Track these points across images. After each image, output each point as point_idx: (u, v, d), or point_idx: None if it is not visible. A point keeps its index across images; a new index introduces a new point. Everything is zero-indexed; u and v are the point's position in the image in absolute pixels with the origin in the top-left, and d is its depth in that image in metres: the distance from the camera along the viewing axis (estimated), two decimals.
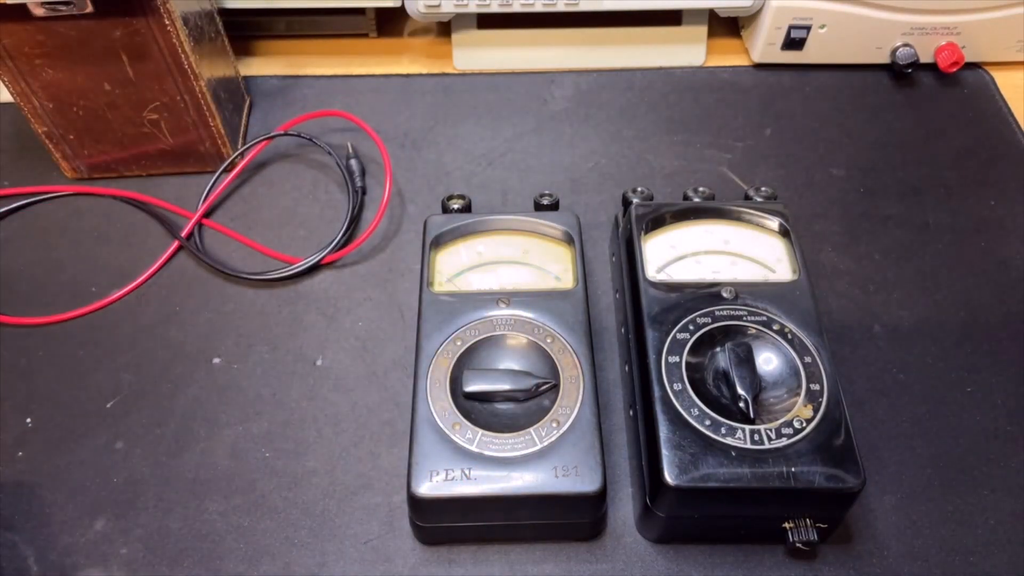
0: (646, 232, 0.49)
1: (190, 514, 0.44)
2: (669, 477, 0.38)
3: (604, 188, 0.60)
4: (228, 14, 0.63)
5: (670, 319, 0.44)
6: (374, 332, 0.51)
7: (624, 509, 0.44)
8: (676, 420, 0.40)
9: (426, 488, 0.39)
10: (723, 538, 0.43)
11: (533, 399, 0.42)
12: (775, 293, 0.45)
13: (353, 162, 0.59)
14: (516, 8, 0.64)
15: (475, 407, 0.42)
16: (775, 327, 0.43)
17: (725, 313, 0.44)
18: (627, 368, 0.47)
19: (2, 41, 0.50)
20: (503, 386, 0.42)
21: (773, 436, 0.39)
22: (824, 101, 0.65)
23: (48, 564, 0.42)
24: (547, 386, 0.42)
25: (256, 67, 0.68)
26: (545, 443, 0.40)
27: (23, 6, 0.48)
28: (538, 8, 0.64)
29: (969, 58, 0.66)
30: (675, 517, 0.41)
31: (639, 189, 0.52)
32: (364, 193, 0.59)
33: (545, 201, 0.52)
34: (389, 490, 0.45)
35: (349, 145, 0.60)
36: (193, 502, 0.44)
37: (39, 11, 0.48)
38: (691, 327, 0.43)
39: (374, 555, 0.43)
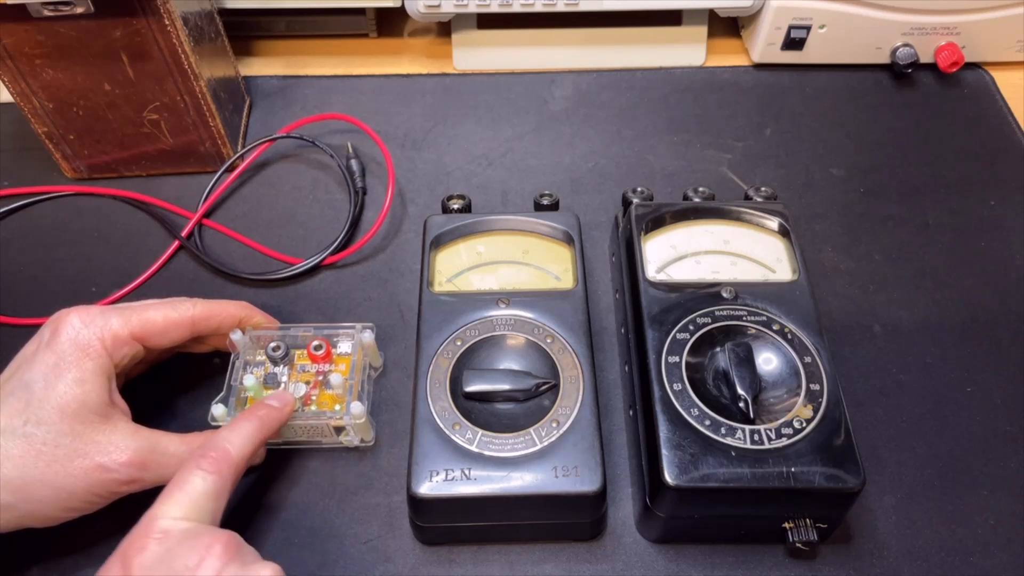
0: (646, 232, 0.49)
1: None
2: (669, 477, 0.38)
3: (604, 188, 0.60)
4: (228, 14, 0.63)
5: (670, 319, 0.44)
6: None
7: (624, 509, 0.44)
8: (676, 420, 0.40)
9: (426, 488, 0.39)
10: (723, 538, 0.43)
11: (533, 399, 0.42)
12: (775, 293, 0.45)
13: (354, 162, 0.59)
14: (516, 8, 0.64)
15: (475, 407, 0.42)
16: (775, 327, 0.43)
17: (725, 313, 0.44)
18: (627, 368, 0.47)
19: (2, 41, 0.50)
20: (503, 386, 0.42)
21: (773, 436, 0.39)
22: (824, 101, 0.66)
23: (48, 564, 0.42)
24: (547, 386, 0.42)
25: (256, 67, 0.68)
26: (545, 443, 0.40)
27: (23, 6, 0.48)
28: (538, 8, 0.64)
29: (969, 58, 0.66)
30: (675, 517, 0.41)
31: (639, 189, 0.52)
32: (365, 193, 0.59)
33: (545, 201, 0.52)
34: (389, 490, 0.45)
35: (349, 145, 0.60)
36: None
37: (39, 11, 0.48)
38: (691, 327, 0.43)
39: (374, 555, 0.43)
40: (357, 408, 0.43)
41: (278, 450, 0.46)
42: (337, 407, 0.44)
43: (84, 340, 0.40)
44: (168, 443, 0.41)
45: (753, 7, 0.64)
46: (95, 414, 0.39)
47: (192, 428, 0.44)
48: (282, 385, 0.45)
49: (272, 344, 0.46)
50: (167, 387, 0.49)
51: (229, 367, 0.45)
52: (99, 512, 0.41)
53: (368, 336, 0.46)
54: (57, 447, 0.38)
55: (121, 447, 0.39)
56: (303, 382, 0.45)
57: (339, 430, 0.45)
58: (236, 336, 0.45)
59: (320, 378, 0.46)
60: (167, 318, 0.43)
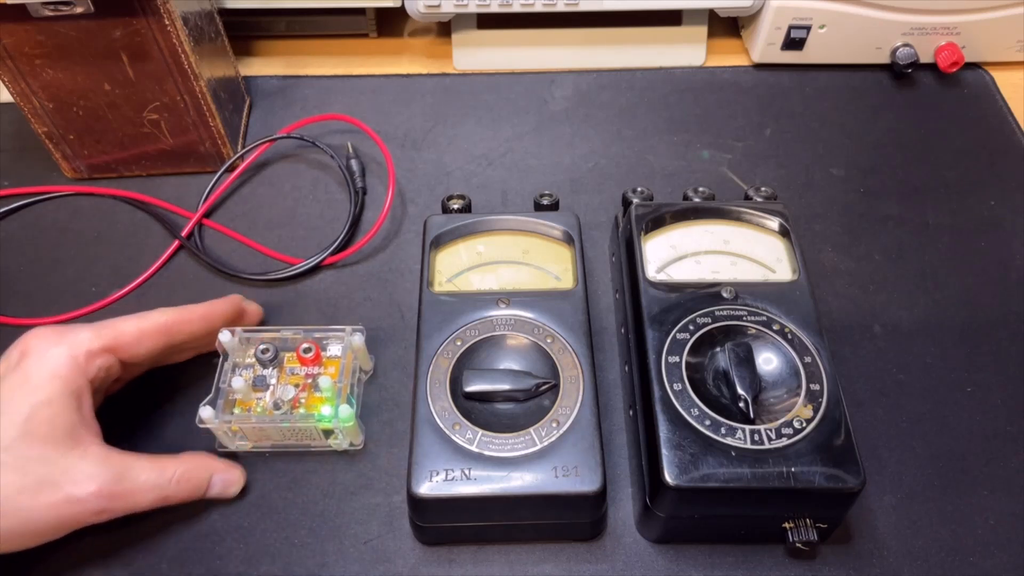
0: (646, 232, 0.49)
1: (190, 514, 0.44)
2: (669, 477, 0.38)
3: (604, 188, 0.60)
4: (228, 14, 0.63)
5: (670, 319, 0.44)
6: (374, 332, 0.51)
7: (624, 509, 0.44)
8: (676, 420, 0.40)
9: (426, 488, 0.39)
10: (723, 538, 0.43)
11: (533, 399, 0.42)
12: (775, 293, 0.45)
13: (354, 162, 0.59)
14: (516, 8, 0.64)
15: (475, 407, 0.42)
16: (775, 327, 0.43)
17: (725, 313, 0.44)
18: (627, 368, 0.47)
19: (2, 41, 0.50)
20: (503, 386, 0.42)
21: (773, 436, 0.39)
22: (824, 101, 0.65)
23: (48, 564, 0.42)
24: (547, 386, 0.42)
25: (256, 67, 0.68)
26: (545, 443, 0.40)
27: (23, 6, 0.48)
28: (538, 8, 0.64)
29: (969, 58, 0.66)
30: (675, 517, 0.41)
31: (639, 189, 0.52)
32: (365, 193, 0.59)
33: (545, 201, 0.52)
34: (389, 490, 0.45)
35: (349, 145, 0.60)
36: (193, 502, 0.44)
37: (39, 11, 0.48)
38: (691, 327, 0.43)
39: (374, 555, 0.43)
40: (345, 411, 0.43)
41: (276, 450, 0.46)
42: (326, 410, 0.44)
43: (52, 360, 0.39)
44: (139, 471, 0.40)
45: (753, 7, 0.64)
46: (65, 436, 0.38)
47: (189, 428, 0.44)
48: (270, 388, 0.45)
49: (261, 346, 0.46)
50: (165, 386, 0.49)
51: (218, 369, 0.45)
52: None
53: (358, 339, 0.46)
54: (26, 475, 0.37)
55: (90, 475, 0.38)
56: (292, 385, 0.45)
57: (328, 433, 0.45)
58: (225, 338, 0.45)
59: (309, 381, 0.46)
60: (139, 328, 0.42)
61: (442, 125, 0.64)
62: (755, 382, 0.41)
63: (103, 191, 0.59)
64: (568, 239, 0.49)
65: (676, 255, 0.48)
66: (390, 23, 0.72)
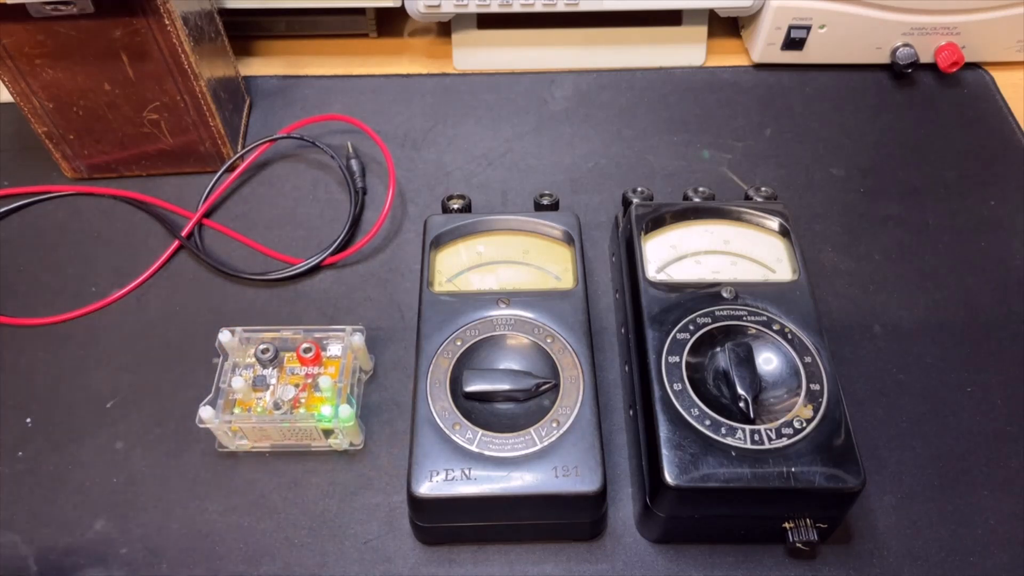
0: (646, 232, 0.49)
1: (190, 514, 0.44)
2: (669, 477, 0.38)
3: (604, 188, 0.60)
4: (228, 14, 0.63)
5: (670, 319, 0.44)
6: (374, 332, 0.51)
7: (624, 509, 0.44)
8: (676, 420, 0.40)
9: (426, 488, 0.39)
10: (723, 538, 0.43)
11: (533, 399, 0.42)
12: (775, 293, 0.45)
13: (354, 162, 0.59)
14: (516, 8, 0.64)
15: (475, 407, 0.42)
16: (775, 327, 0.43)
17: (725, 313, 0.44)
18: (627, 368, 0.47)
19: (2, 41, 0.50)
20: (503, 386, 0.42)
21: (773, 436, 0.39)
22: (824, 101, 0.65)
23: (48, 564, 0.42)
24: (547, 386, 0.42)
25: (256, 67, 0.68)
26: (545, 443, 0.40)
27: (23, 6, 0.48)
28: (538, 8, 0.64)
29: (969, 58, 0.66)
30: (675, 517, 0.41)
31: (639, 189, 0.52)
32: (365, 193, 0.59)
33: (545, 201, 0.52)
34: (389, 490, 0.45)
35: (349, 145, 0.60)
36: (193, 502, 0.44)
37: (39, 11, 0.48)
38: (691, 327, 0.43)
39: (374, 555, 0.43)
40: (345, 411, 0.43)
41: (275, 450, 0.46)
42: (326, 410, 0.44)
43: None
44: None
45: (753, 7, 0.64)
46: None
47: (189, 428, 0.44)
48: (270, 388, 0.45)
49: (261, 346, 0.46)
50: (165, 386, 0.49)
51: (218, 369, 0.45)
52: (98, 511, 0.41)
53: (358, 339, 0.46)
54: None
55: None
56: (292, 385, 0.45)
57: (328, 433, 0.45)
58: (224, 338, 0.45)
59: (309, 381, 0.46)
60: None
61: (442, 125, 0.64)
62: (755, 382, 0.41)
63: (103, 191, 0.59)
64: (568, 239, 0.49)
65: (676, 255, 0.48)
66: (390, 23, 0.72)
